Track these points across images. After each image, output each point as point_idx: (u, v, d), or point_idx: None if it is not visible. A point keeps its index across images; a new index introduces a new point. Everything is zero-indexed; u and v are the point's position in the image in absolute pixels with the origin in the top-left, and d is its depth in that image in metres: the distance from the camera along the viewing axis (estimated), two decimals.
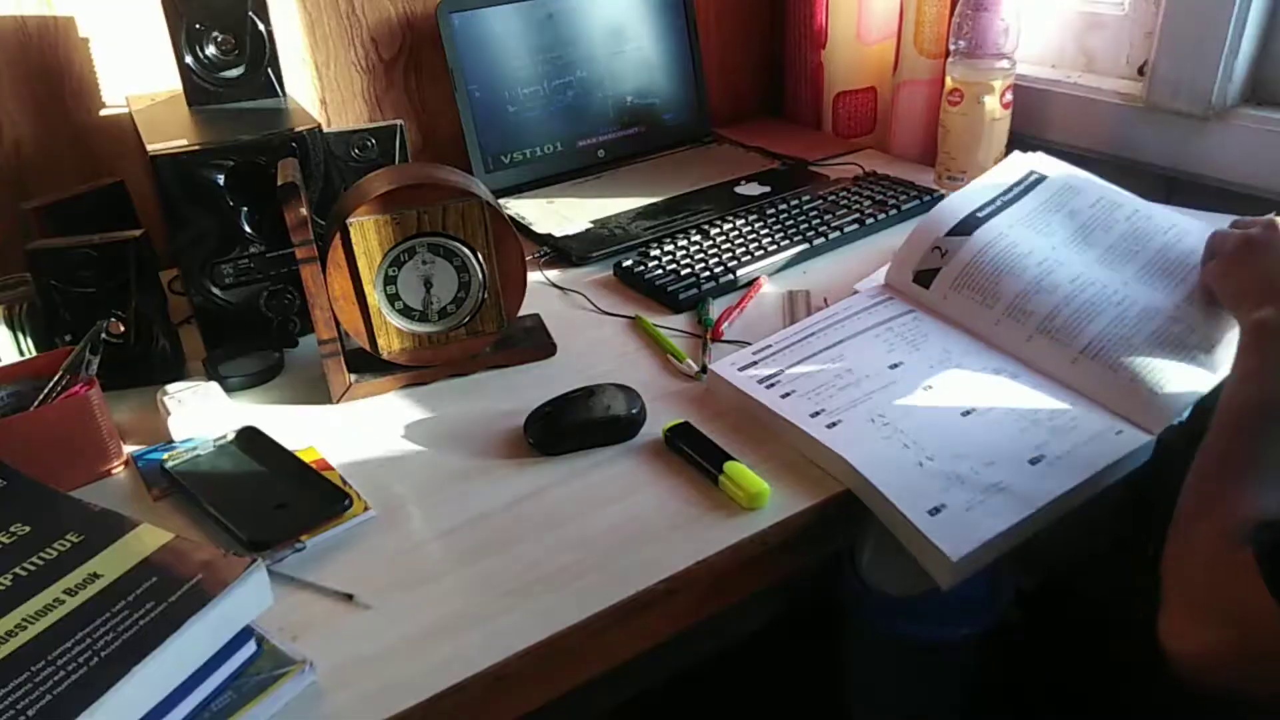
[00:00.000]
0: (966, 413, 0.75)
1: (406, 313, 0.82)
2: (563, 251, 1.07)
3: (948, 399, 0.76)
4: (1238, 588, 0.51)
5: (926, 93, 1.23)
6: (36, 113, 1.03)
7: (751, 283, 0.98)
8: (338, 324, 0.81)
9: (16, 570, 0.54)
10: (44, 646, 0.49)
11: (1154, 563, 0.60)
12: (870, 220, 1.07)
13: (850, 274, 0.99)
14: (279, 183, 0.75)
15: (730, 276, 0.97)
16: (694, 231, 1.06)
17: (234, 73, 0.94)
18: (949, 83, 1.12)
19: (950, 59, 1.12)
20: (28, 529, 0.57)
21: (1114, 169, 1.16)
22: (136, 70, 1.05)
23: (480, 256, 0.82)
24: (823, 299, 0.94)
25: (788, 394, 0.77)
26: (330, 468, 0.74)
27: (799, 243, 1.03)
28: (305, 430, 0.79)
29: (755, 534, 0.65)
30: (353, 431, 0.79)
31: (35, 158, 1.04)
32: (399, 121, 1.00)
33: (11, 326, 0.85)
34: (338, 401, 0.83)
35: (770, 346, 0.83)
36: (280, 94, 0.96)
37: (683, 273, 0.98)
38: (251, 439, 0.76)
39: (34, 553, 0.55)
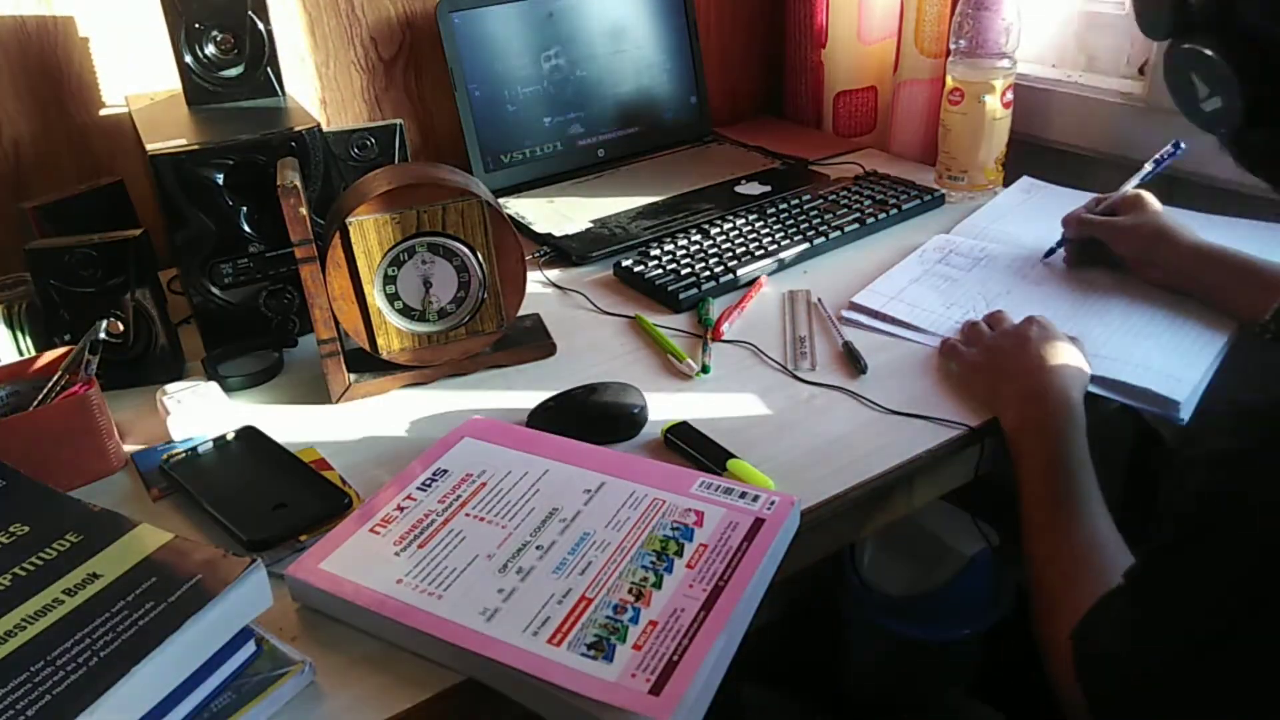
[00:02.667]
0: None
1: (406, 312, 0.82)
2: (563, 251, 1.07)
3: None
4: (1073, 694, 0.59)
5: (927, 92, 1.22)
6: (36, 112, 1.02)
7: (752, 282, 0.98)
8: (337, 324, 0.81)
9: (16, 570, 0.54)
10: (43, 646, 0.49)
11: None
12: (871, 220, 1.07)
13: (851, 273, 0.99)
14: (278, 182, 0.75)
15: (731, 276, 0.97)
16: (694, 231, 1.06)
17: (233, 72, 0.94)
18: (950, 82, 1.11)
19: (951, 58, 1.11)
20: (27, 529, 0.57)
21: (1114, 168, 1.16)
22: (136, 70, 1.05)
23: (480, 256, 0.82)
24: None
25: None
26: (330, 467, 0.74)
27: (799, 242, 1.03)
28: (305, 430, 0.79)
29: None
30: (352, 431, 0.79)
31: (34, 157, 1.04)
32: (398, 121, 1.00)
33: (11, 326, 0.85)
34: (337, 401, 0.83)
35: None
36: (280, 93, 0.96)
37: (683, 272, 0.98)
38: (251, 439, 0.76)
39: (33, 552, 0.55)
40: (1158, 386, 0.77)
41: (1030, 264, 0.98)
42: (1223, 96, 0.57)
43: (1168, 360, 0.81)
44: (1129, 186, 0.95)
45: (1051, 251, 0.97)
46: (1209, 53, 0.56)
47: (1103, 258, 0.94)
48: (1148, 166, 0.95)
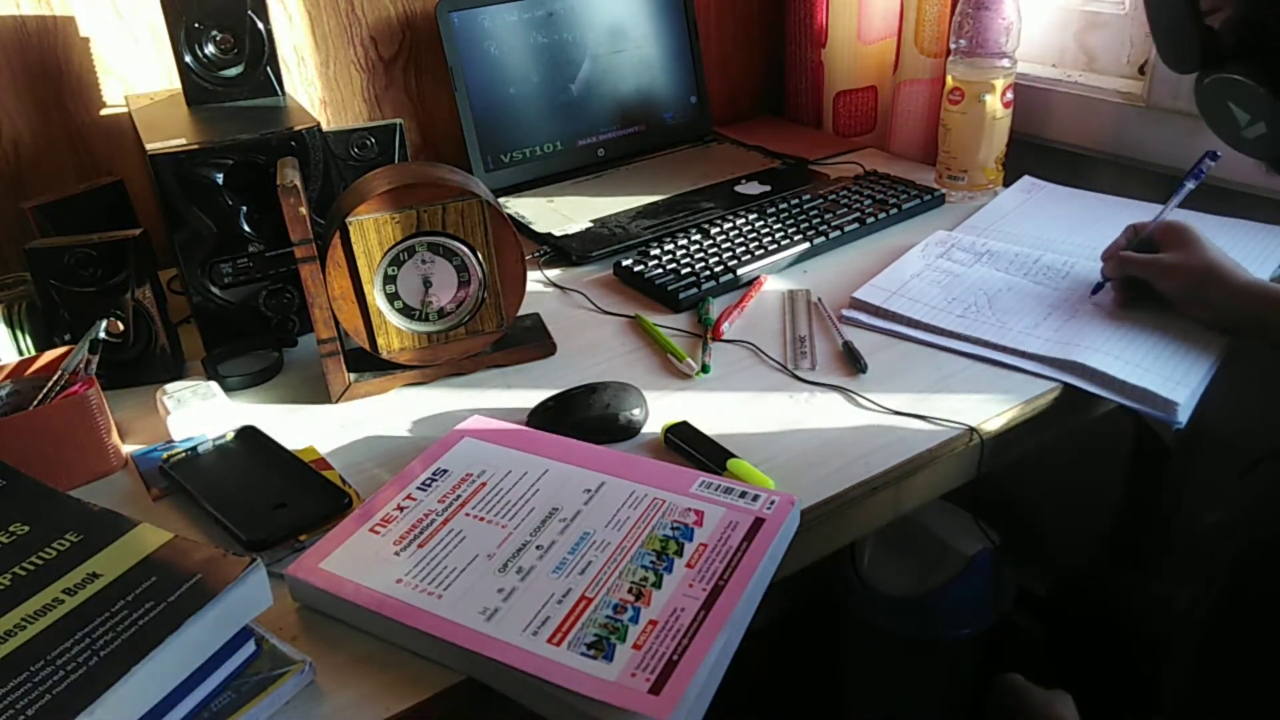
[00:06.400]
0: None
1: (406, 312, 0.82)
2: (562, 251, 1.07)
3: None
4: None
5: (927, 92, 1.22)
6: (35, 112, 1.02)
7: (752, 282, 0.98)
8: (337, 323, 0.81)
9: (16, 570, 0.54)
10: (43, 646, 0.49)
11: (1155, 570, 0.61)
12: (871, 219, 1.07)
13: (851, 273, 0.99)
14: (278, 182, 0.75)
15: (731, 276, 0.97)
16: (694, 231, 1.06)
17: (233, 72, 0.94)
18: (950, 82, 1.11)
19: (951, 58, 1.11)
20: (27, 528, 0.57)
21: (1114, 168, 1.16)
22: (136, 70, 1.05)
23: (480, 256, 0.82)
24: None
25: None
26: (330, 467, 0.74)
27: (799, 242, 1.03)
28: (305, 430, 0.79)
29: None
30: (352, 431, 0.79)
31: (34, 157, 1.04)
32: (398, 120, 1.00)
33: (11, 326, 0.85)
34: (337, 401, 0.83)
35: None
36: (279, 93, 0.96)
37: (683, 272, 0.98)
38: (251, 439, 0.76)
39: (33, 552, 0.55)
40: (1157, 388, 0.77)
41: (1031, 259, 0.98)
42: (1265, 120, 0.56)
43: (1167, 362, 0.81)
44: (1168, 211, 0.89)
45: (1098, 288, 0.90)
46: (1244, 80, 0.55)
47: (1149, 292, 0.87)
48: (1188, 184, 0.89)
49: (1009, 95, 1.11)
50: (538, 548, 0.62)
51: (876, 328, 0.89)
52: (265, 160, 0.84)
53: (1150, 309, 0.87)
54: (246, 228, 0.87)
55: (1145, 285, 0.87)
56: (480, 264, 0.82)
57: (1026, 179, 1.18)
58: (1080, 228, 1.04)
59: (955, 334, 0.86)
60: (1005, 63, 1.09)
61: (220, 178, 0.84)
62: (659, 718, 0.49)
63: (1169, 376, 0.79)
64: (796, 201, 1.12)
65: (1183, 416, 0.76)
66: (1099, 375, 0.79)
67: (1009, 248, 1.01)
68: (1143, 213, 1.06)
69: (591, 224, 1.12)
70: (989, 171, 1.14)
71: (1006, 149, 1.14)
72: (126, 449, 0.77)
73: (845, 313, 0.92)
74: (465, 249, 0.81)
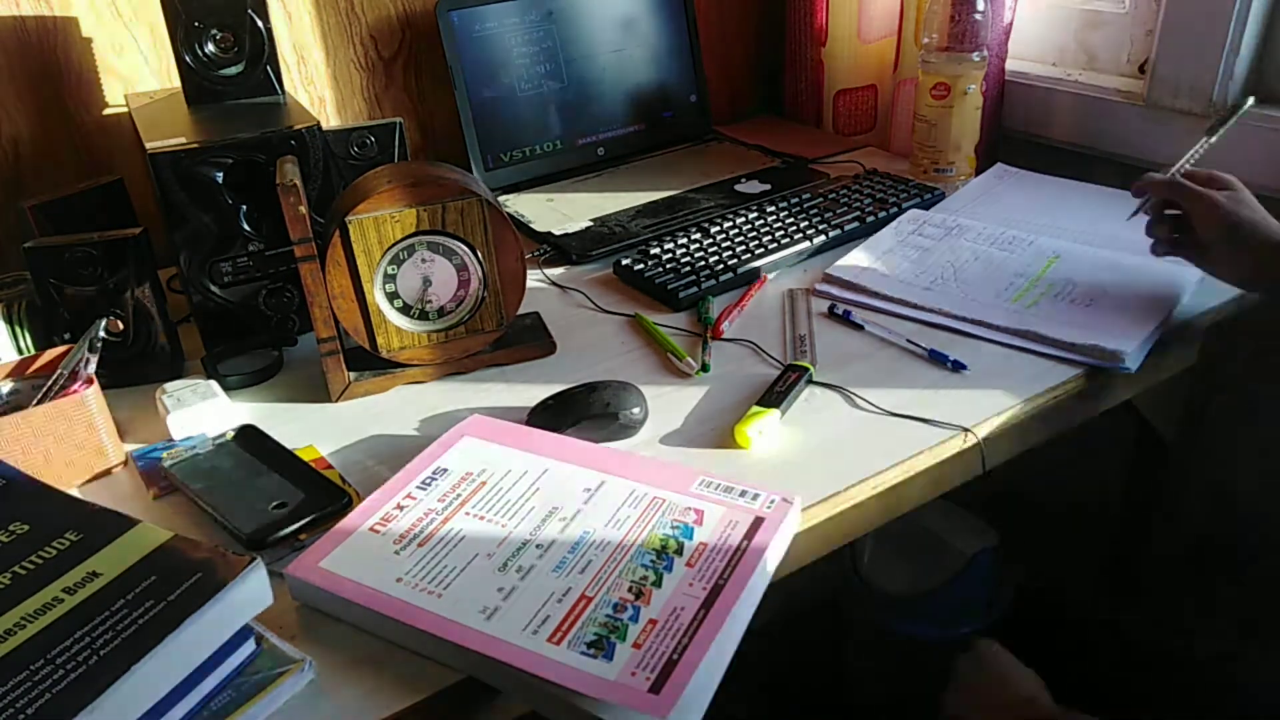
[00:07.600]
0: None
1: (406, 311, 0.82)
2: (562, 250, 1.07)
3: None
4: None
5: None
6: (35, 110, 1.02)
7: (752, 281, 0.98)
8: (337, 322, 0.81)
9: (15, 569, 0.54)
10: (43, 645, 0.49)
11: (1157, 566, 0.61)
12: (871, 218, 1.07)
13: None
14: (278, 180, 0.74)
15: (730, 275, 0.97)
16: (694, 229, 1.06)
17: (233, 70, 0.94)
18: (929, 78, 1.13)
19: (928, 55, 1.13)
20: (26, 527, 0.57)
21: (1114, 167, 1.16)
22: (136, 69, 1.05)
23: (480, 255, 0.82)
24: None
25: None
26: (330, 466, 0.74)
27: (799, 241, 1.03)
28: (304, 429, 0.79)
29: None
30: (352, 430, 0.79)
31: (34, 156, 1.04)
32: (398, 119, 1.00)
33: (11, 325, 0.85)
34: (337, 400, 0.83)
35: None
36: (279, 92, 0.96)
37: (683, 271, 0.98)
38: (251, 438, 0.76)
39: (33, 551, 0.55)
40: (1105, 342, 0.81)
41: (998, 233, 1.01)
42: None
43: (1115, 322, 0.84)
44: (1200, 148, 0.87)
45: (1139, 210, 0.88)
46: None
47: (1174, 240, 0.85)
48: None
49: (983, 85, 1.14)
50: (537, 547, 0.62)
51: (848, 300, 0.93)
52: (265, 159, 0.84)
53: (1106, 277, 0.90)
54: (246, 226, 0.87)
55: (1172, 226, 0.85)
56: (480, 263, 0.82)
57: (999, 166, 1.20)
58: (1048, 209, 1.08)
59: (921, 306, 0.90)
60: (978, 55, 1.12)
61: (220, 176, 0.84)
62: (659, 717, 0.49)
63: (1119, 334, 0.82)
64: (796, 200, 1.12)
65: (1131, 364, 0.79)
66: (1051, 340, 0.83)
67: (977, 224, 1.04)
68: (1110, 199, 1.08)
69: (591, 223, 1.12)
70: (971, 160, 1.18)
71: (981, 139, 1.18)
72: (126, 448, 0.77)
73: (818, 287, 0.95)
74: (465, 248, 0.81)
